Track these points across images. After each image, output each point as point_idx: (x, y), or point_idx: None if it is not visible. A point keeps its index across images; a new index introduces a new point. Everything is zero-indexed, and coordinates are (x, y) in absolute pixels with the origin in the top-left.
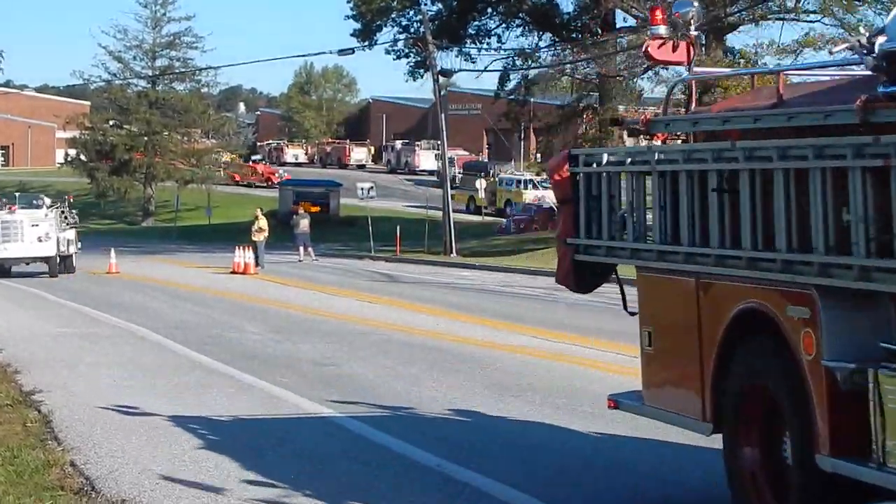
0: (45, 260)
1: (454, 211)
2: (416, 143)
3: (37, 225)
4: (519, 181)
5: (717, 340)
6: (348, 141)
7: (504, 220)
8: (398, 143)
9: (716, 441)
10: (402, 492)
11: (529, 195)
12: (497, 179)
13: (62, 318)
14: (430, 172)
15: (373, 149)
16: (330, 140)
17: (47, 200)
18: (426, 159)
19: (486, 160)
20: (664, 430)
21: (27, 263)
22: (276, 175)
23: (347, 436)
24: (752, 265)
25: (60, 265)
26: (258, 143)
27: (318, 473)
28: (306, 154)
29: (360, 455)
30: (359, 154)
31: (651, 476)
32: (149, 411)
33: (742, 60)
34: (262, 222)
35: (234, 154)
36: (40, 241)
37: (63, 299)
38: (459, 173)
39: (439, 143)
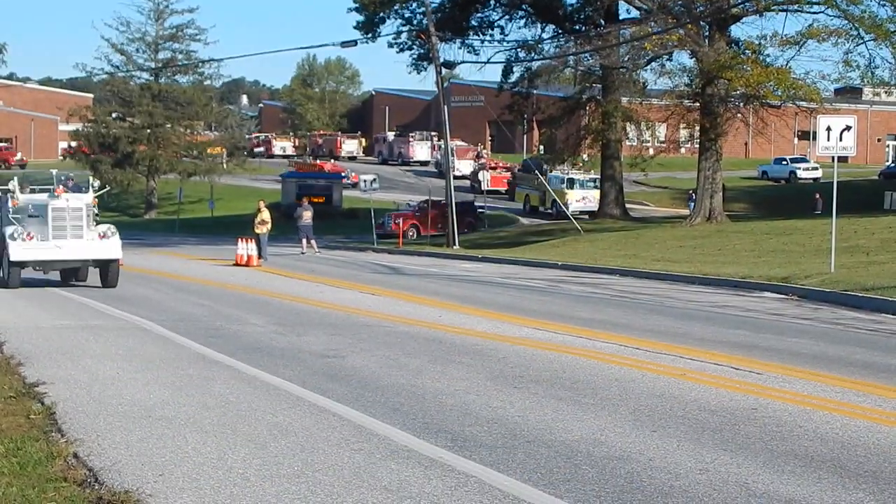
0: (106, 264)
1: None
2: (410, 134)
3: (90, 215)
4: (563, 179)
5: None
6: (339, 133)
7: (381, 219)
8: (390, 135)
9: (707, 434)
10: (405, 483)
11: (575, 195)
12: (547, 178)
13: (65, 311)
14: (423, 163)
15: (364, 141)
16: (322, 132)
17: (95, 182)
18: (420, 150)
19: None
20: (665, 421)
21: (93, 267)
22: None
23: (350, 427)
24: None
25: (82, 272)
26: (247, 136)
27: (320, 465)
28: (294, 147)
29: (363, 446)
30: (350, 146)
31: (649, 466)
32: (152, 403)
33: (749, 52)
34: (265, 214)
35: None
36: (103, 237)
37: (66, 292)
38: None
39: (433, 133)
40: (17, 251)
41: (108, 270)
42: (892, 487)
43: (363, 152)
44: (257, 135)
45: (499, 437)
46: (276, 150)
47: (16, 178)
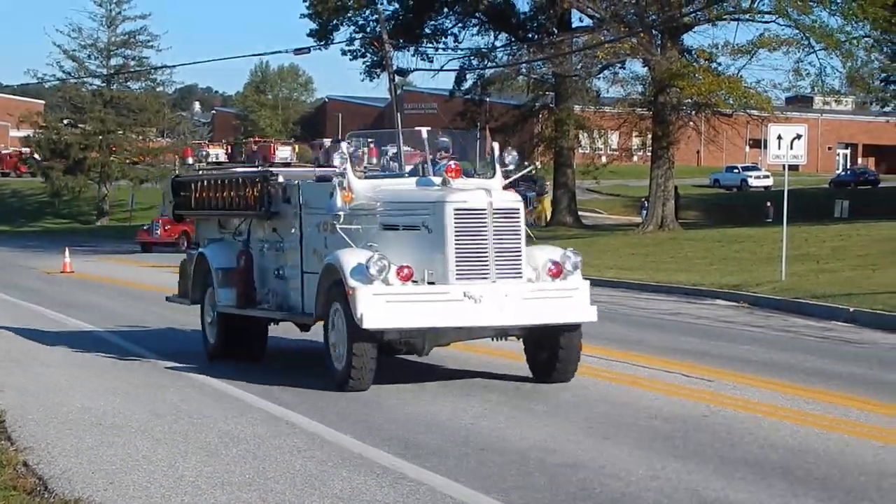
0: (557, 334)
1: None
2: (347, 140)
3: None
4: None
5: None
6: (273, 140)
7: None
8: (326, 141)
9: (658, 441)
10: (357, 491)
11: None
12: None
13: (16, 318)
14: None
15: (297, 147)
16: (256, 139)
17: (507, 155)
18: None
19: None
20: (617, 428)
21: (502, 338)
22: None
23: (302, 435)
24: None
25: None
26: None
27: (272, 473)
28: (227, 153)
29: (315, 454)
30: (283, 152)
31: (601, 473)
32: (103, 411)
33: (701, 60)
34: None
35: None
36: (558, 273)
37: (16, 298)
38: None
39: (369, 140)
40: (375, 308)
41: (558, 345)
42: (841, 494)
43: (297, 158)
44: (194, 141)
45: (451, 444)
46: (210, 158)
47: (344, 146)
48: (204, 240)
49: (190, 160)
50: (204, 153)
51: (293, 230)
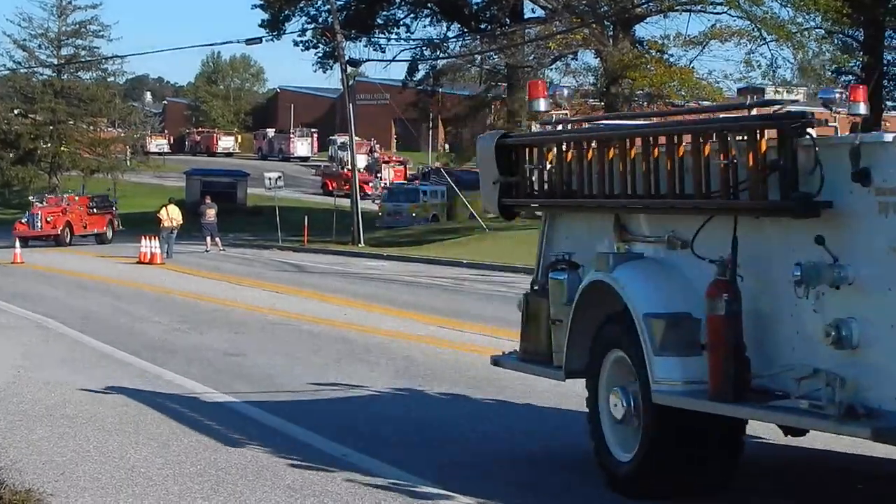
0: None
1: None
2: (291, 131)
3: None
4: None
5: None
6: (216, 130)
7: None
8: (270, 131)
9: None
10: (309, 481)
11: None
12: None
13: None
14: (304, 160)
15: (240, 137)
16: (199, 129)
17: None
18: (301, 147)
19: None
20: (577, 425)
21: None
22: (371, 185)
23: (254, 426)
24: None
25: None
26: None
27: (224, 463)
28: (169, 144)
29: (266, 444)
30: (226, 143)
31: (555, 465)
32: (53, 402)
33: (653, 52)
34: (171, 211)
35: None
36: None
37: None
38: None
39: (313, 130)
40: None
41: None
42: (788, 486)
43: (239, 148)
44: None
45: (404, 435)
46: (153, 148)
47: None
48: (606, 258)
49: (542, 105)
50: (569, 93)
51: (883, 245)
